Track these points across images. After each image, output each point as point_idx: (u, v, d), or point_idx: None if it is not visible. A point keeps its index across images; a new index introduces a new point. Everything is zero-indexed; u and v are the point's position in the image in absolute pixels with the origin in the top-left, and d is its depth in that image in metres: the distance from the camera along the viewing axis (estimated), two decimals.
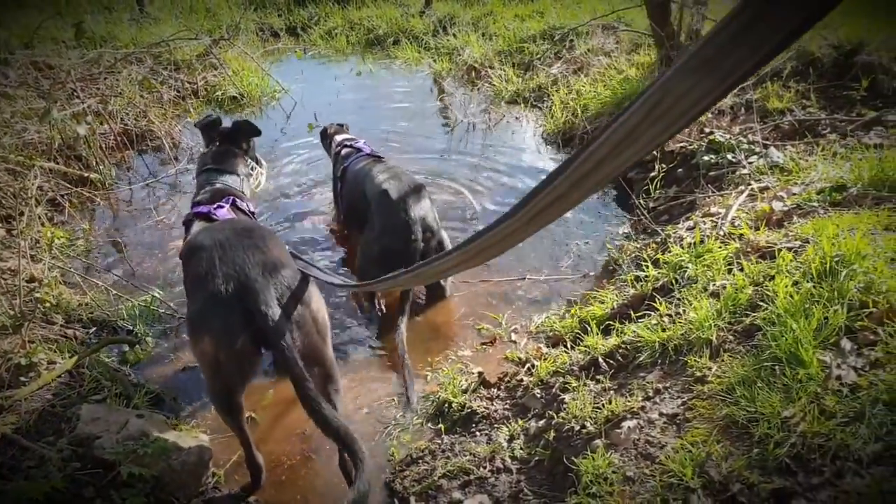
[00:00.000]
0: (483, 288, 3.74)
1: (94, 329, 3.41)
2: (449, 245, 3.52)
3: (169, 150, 5.57)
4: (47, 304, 3.21)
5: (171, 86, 6.58)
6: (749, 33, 0.85)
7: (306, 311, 2.27)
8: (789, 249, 2.46)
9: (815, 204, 2.95)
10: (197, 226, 2.81)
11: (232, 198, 3.01)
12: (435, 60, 7.68)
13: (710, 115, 4.37)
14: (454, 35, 8.03)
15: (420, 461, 2.60)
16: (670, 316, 2.50)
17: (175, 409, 3.04)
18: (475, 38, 7.79)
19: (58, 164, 4.76)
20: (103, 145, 5.30)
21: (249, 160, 3.46)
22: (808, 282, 2.16)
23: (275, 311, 2.12)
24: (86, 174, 4.91)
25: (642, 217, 3.95)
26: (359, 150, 4.09)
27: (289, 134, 6.16)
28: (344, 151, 4.17)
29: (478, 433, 2.62)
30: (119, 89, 5.76)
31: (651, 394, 2.17)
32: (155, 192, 5.12)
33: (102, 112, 5.40)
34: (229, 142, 3.37)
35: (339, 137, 4.33)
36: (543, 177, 1.19)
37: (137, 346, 3.32)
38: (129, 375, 3.14)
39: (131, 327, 3.46)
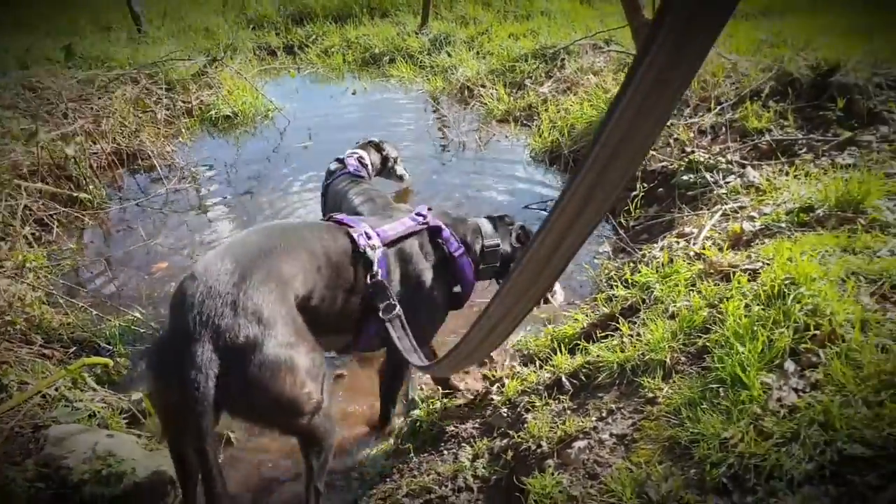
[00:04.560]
0: (468, 309, 3.77)
1: (74, 349, 3.45)
2: None
3: (160, 169, 5.63)
4: (17, 326, 3.25)
5: (164, 105, 6.67)
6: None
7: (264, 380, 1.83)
8: (745, 271, 2.49)
9: (783, 225, 2.97)
10: None
11: None
12: (429, 79, 7.76)
13: (691, 135, 4.41)
14: (449, 54, 8.13)
15: (387, 479, 2.64)
16: (631, 337, 2.53)
17: (152, 428, 3.06)
18: (469, 56, 7.89)
19: (47, 184, 4.83)
20: (94, 164, 5.39)
21: None
22: (757, 304, 2.19)
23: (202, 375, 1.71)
24: (75, 194, 4.98)
25: (620, 236, 3.99)
26: (345, 166, 4.14)
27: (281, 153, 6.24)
28: (332, 166, 4.23)
29: (445, 452, 2.65)
30: (112, 109, 5.85)
31: (604, 414, 2.20)
32: (145, 211, 5.19)
33: (94, 131, 5.49)
34: None
35: (347, 152, 4.38)
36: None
37: (114, 365, 3.35)
38: (106, 395, 3.18)
39: (111, 347, 3.49)
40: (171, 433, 1.98)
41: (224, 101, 6.96)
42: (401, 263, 2.53)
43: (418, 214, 2.64)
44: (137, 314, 3.74)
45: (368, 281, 2.34)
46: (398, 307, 2.35)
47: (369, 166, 4.38)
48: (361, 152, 4.39)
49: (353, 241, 2.38)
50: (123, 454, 2.56)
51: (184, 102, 6.87)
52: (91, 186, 5.15)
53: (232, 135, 6.76)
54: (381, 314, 2.33)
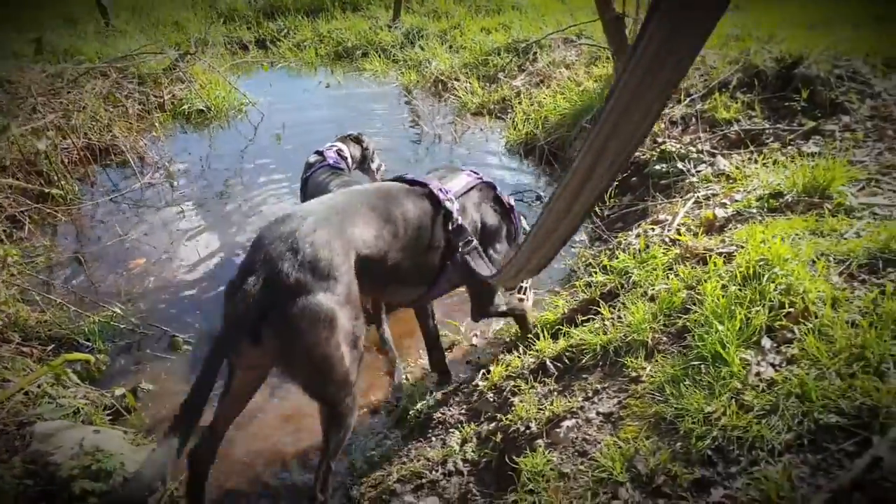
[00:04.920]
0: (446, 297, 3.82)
1: (53, 346, 3.43)
2: None
3: (134, 164, 5.57)
4: None
5: (136, 99, 6.58)
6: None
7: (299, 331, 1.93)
8: (721, 254, 2.58)
9: (754, 210, 3.08)
10: None
11: None
12: (402, 73, 7.78)
13: (662, 126, 4.51)
14: (421, 47, 8.16)
15: (377, 467, 2.68)
16: (612, 320, 2.61)
17: (136, 423, 3.06)
18: (442, 50, 7.92)
19: (17, 180, 4.76)
20: (66, 160, 5.31)
21: None
22: (734, 285, 2.28)
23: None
24: (47, 190, 4.91)
25: (596, 225, 4.08)
26: (325, 158, 4.15)
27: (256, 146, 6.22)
28: (311, 158, 4.23)
29: (433, 438, 2.71)
30: (83, 103, 5.77)
31: (590, 394, 2.27)
32: (119, 206, 5.13)
33: (65, 126, 5.40)
34: None
35: (326, 145, 4.39)
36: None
37: (95, 361, 3.33)
38: (89, 391, 3.16)
39: (91, 344, 3.48)
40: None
41: (197, 96, 6.89)
42: (472, 210, 2.76)
43: (473, 172, 2.93)
44: (117, 309, 3.71)
45: (450, 228, 2.55)
46: (475, 240, 2.61)
47: (349, 159, 4.40)
48: (341, 145, 4.40)
49: (433, 198, 2.55)
50: (111, 449, 2.56)
51: (156, 97, 6.79)
52: (63, 182, 5.08)
53: (206, 129, 6.71)
54: (461, 251, 2.57)
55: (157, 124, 6.45)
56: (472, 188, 2.81)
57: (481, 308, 2.92)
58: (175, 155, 6.04)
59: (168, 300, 4.00)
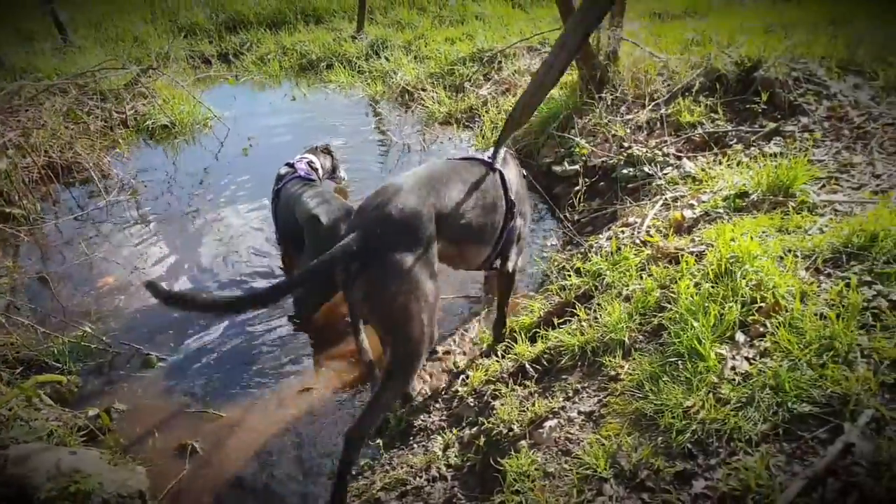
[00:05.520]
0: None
1: (22, 368, 3.36)
2: None
3: (98, 181, 5.47)
4: None
5: (98, 116, 6.46)
6: None
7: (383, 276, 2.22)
8: (692, 253, 2.65)
9: (721, 210, 3.17)
10: None
11: None
12: (368, 84, 7.79)
13: (628, 131, 4.60)
14: (386, 58, 8.17)
15: (360, 477, 2.67)
16: (589, 321, 2.65)
17: (111, 443, 3.00)
18: (407, 61, 7.95)
19: None
20: (26, 179, 5.19)
21: None
22: (707, 282, 2.34)
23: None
24: (8, 210, 4.79)
25: (568, 229, 4.14)
26: (296, 170, 4.14)
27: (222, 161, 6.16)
28: (282, 170, 4.22)
29: (415, 445, 2.72)
30: (42, 121, 5.65)
31: (571, 394, 2.31)
32: (84, 225, 5.04)
33: (24, 145, 5.29)
34: None
35: (297, 157, 4.37)
36: None
37: (67, 382, 3.26)
38: (62, 413, 3.10)
39: (61, 365, 3.41)
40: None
41: (160, 111, 6.80)
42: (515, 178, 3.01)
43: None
44: (87, 329, 3.64)
45: (509, 195, 2.83)
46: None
47: (320, 170, 4.40)
48: (311, 157, 4.40)
49: (494, 169, 2.82)
50: (89, 470, 2.52)
51: (118, 113, 6.67)
52: (24, 201, 4.98)
53: (170, 144, 6.61)
54: (517, 216, 2.90)
55: (120, 141, 6.33)
56: (508, 157, 3.08)
57: (512, 264, 3.06)
58: (140, 171, 5.93)
59: (139, 318, 3.93)
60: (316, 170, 4.34)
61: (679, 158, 4.10)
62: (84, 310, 3.95)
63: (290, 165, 4.23)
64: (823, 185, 3.14)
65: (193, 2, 10.77)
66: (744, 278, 2.26)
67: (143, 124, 6.75)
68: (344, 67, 8.34)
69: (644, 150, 4.28)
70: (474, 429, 2.53)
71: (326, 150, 4.67)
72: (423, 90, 7.08)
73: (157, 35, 9.63)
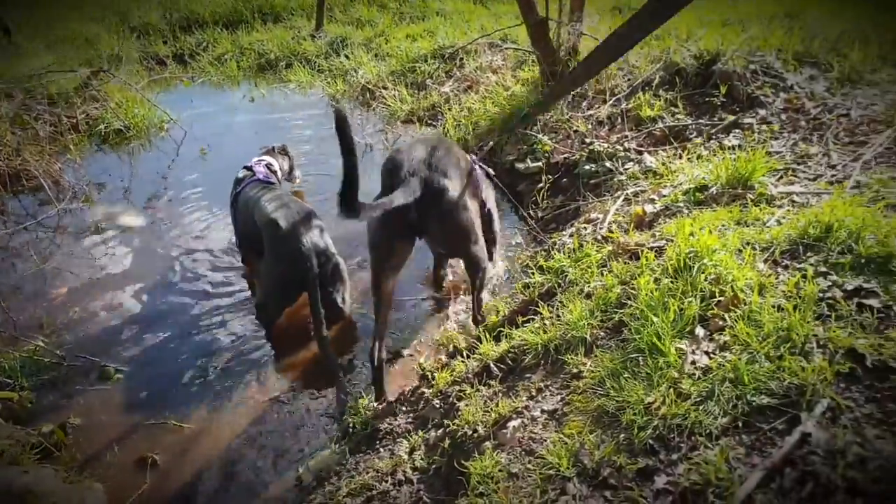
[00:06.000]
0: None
1: None
2: (345, 268, 3.58)
3: (49, 189, 5.29)
4: None
5: (46, 121, 6.25)
6: None
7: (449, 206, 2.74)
8: (652, 249, 2.66)
9: (681, 204, 3.18)
10: None
11: None
12: (329, 83, 7.70)
13: (589, 126, 4.62)
14: (347, 56, 8.08)
15: (326, 483, 2.63)
16: (551, 319, 2.64)
17: (67, 460, 2.92)
18: (368, 59, 7.87)
19: None
20: None
21: None
22: (666, 278, 2.35)
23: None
24: None
25: (532, 227, 4.13)
26: (254, 174, 4.06)
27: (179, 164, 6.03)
28: (240, 174, 4.14)
29: (381, 449, 2.68)
30: None
31: (534, 393, 2.29)
32: (35, 235, 4.88)
33: None
34: None
35: (254, 159, 4.28)
36: None
37: (19, 398, 3.16)
38: (13, 430, 2.99)
39: (12, 381, 3.29)
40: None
41: (114, 115, 6.62)
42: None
43: None
44: (40, 343, 3.53)
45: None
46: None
47: (279, 172, 4.33)
48: (269, 158, 4.32)
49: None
50: (43, 489, 2.45)
51: (68, 117, 6.46)
52: None
53: (125, 149, 6.44)
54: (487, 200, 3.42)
55: (71, 146, 6.13)
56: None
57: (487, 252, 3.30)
58: (94, 177, 5.77)
59: (95, 329, 3.82)
60: (275, 172, 4.26)
61: (640, 153, 4.12)
62: (36, 322, 3.83)
63: (249, 168, 4.15)
64: (781, 177, 3.17)
65: (146, 1, 10.52)
66: (702, 273, 2.27)
67: (96, 129, 6.55)
68: (303, 67, 8.24)
69: (605, 145, 4.30)
70: (440, 431, 2.50)
71: (283, 151, 4.60)
72: (385, 88, 7.03)
73: (108, 36, 9.35)
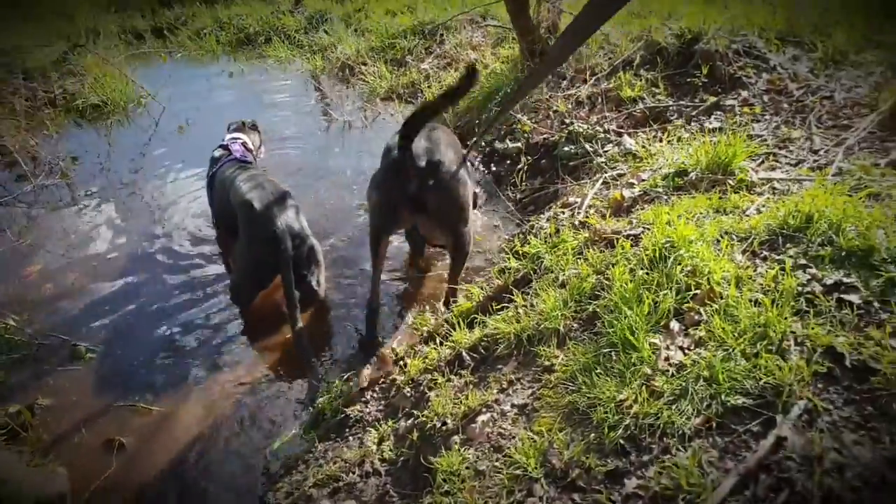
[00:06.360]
0: (360, 290, 3.73)
1: None
2: (320, 250, 3.50)
3: (24, 164, 5.17)
4: None
5: (22, 95, 6.12)
6: None
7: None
8: (628, 237, 2.59)
9: (660, 189, 3.11)
10: None
11: None
12: (308, 59, 7.54)
13: (569, 107, 4.52)
14: (326, 32, 7.92)
15: (293, 471, 2.57)
16: (525, 307, 2.57)
17: (34, 441, 2.84)
18: (348, 34, 7.71)
19: None
20: None
21: None
22: (641, 269, 2.28)
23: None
24: None
25: (509, 210, 4.05)
26: (230, 152, 3.97)
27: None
28: (216, 153, 4.04)
29: (350, 437, 2.62)
30: None
31: (505, 385, 2.23)
32: (11, 211, 4.75)
33: None
34: None
35: (227, 136, 4.17)
36: None
37: None
38: None
39: None
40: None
41: (91, 90, 6.47)
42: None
43: None
44: (10, 321, 3.43)
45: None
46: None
47: (254, 150, 4.23)
48: (244, 136, 4.21)
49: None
50: (5, 474, 2.38)
51: (45, 92, 6.33)
52: None
53: (103, 125, 6.31)
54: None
55: (48, 122, 6.02)
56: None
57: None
58: (71, 153, 5.65)
59: (68, 307, 3.72)
60: (251, 150, 4.16)
61: (620, 135, 4.04)
62: (7, 300, 3.75)
63: (225, 147, 4.05)
64: (762, 162, 3.11)
65: None
66: (679, 264, 2.20)
67: (73, 104, 6.44)
68: (283, 42, 8.08)
69: (585, 126, 4.21)
70: (409, 421, 2.44)
71: (254, 127, 4.50)
72: (364, 65, 6.89)
73: (85, 9, 9.15)
